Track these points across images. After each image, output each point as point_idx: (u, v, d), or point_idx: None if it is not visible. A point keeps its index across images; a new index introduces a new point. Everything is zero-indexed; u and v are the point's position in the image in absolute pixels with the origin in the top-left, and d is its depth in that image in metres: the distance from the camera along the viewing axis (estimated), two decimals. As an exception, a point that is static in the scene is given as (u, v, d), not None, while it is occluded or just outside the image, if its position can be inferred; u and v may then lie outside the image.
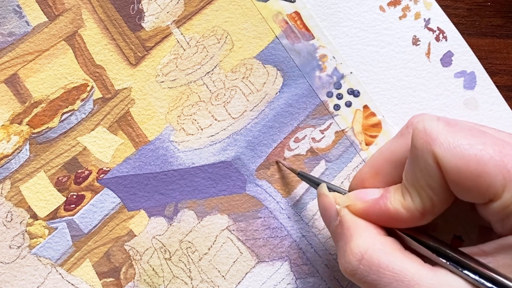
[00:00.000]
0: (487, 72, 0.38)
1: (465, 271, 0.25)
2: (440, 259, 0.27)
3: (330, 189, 0.31)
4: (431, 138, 0.26)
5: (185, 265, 0.36)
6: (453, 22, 0.39)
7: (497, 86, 0.38)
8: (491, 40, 0.40)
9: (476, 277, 0.25)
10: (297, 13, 0.39)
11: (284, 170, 0.37)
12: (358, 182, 0.31)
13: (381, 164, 0.30)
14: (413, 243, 0.28)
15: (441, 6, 0.39)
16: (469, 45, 0.39)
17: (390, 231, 0.29)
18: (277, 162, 0.37)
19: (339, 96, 0.38)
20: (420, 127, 0.27)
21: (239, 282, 0.36)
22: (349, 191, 0.31)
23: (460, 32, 0.39)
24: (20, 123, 0.37)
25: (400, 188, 0.28)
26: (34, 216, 0.36)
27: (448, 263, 0.26)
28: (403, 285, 0.26)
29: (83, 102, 0.37)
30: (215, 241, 0.36)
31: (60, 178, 0.36)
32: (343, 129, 0.38)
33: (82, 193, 0.36)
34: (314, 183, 0.33)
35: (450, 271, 0.26)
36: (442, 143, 0.26)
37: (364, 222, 0.29)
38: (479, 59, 0.39)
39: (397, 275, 0.26)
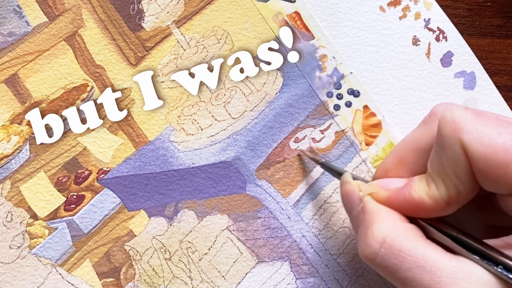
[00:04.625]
0: (487, 72, 0.38)
1: (489, 262, 0.25)
2: (464, 249, 0.26)
3: (354, 178, 0.31)
4: (459, 126, 0.26)
5: (185, 265, 0.36)
6: (453, 22, 0.39)
7: (497, 86, 0.38)
8: (491, 40, 0.40)
9: (501, 269, 0.25)
10: (297, 13, 0.39)
11: (288, 168, 0.37)
12: (382, 173, 0.31)
13: (405, 153, 0.30)
14: (435, 233, 0.28)
15: (441, 6, 0.39)
16: (469, 45, 0.39)
17: (412, 221, 0.28)
18: (299, 155, 0.37)
19: (339, 96, 0.38)
20: (448, 115, 0.26)
21: (239, 282, 0.36)
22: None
23: (460, 32, 0.39)
24: (20, 123, 0.37)
25: (425, 177, 0.28)
26: (34, 216, 0.36)
27: (472, 254, 0.26)
28: (425, 270, 0.25)
29: (83, 102, 0.37)
30: (215, 241, 0.36)
31: (60, 178, 0.36)
32: (343, 129, 0.38)
33: (82, 193, 0.36)
34: (337, 173, 0.33)
35: (474, 261, 0.26)
36: (471, 131, 0.25)
37: (387, 209, 0.28)
38: (479, 59, 0.39)
39: (419, 260, 0.26)
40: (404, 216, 0.28)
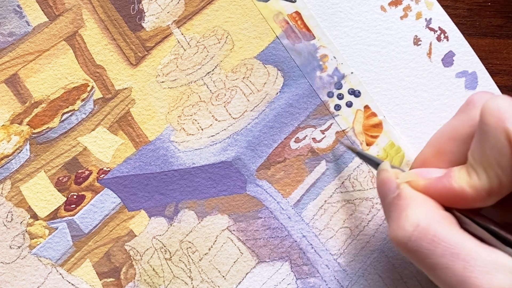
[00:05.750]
0: (487, 72, 0.38)
1: None
2: (500, 242, 0.26)
3: (392, 168, 0.31)
4: (505, 116, 0.25)
5: (186, 265, 0.36)
6: (453, 22, 0.39)
7: (497, 86, 0.38)
8: (491, 40, 0.39)
9: None
10: (297, 13, 0.39)
11: (288, 169, 0.37)
12: (420, 163, 0.31)
13: (443, 142, 0.30)
14: (471, 225, 0.27)
15: (441, 6, 0.39)
16: (469, 45, 0.38)
17: (447, 211, 0.28)
18: (338, 140, 0.37)
19: (340, 96, 0.38)
20: (493, 105, 0.26)
21: (240, 282, 0.36)
22: None
23: (460, 32, 0.39)
24: (20, 123, 0.37)
25: (466, 167, 0.27)
26: (35, 216, 0.36)
27: (507, 247, 0.26)
28: (458, 258, 0.25)
29: (83, 102, 0.37)
30: (215, 241, 0.36)
31: (60, 178, 0.36)
32: (344, 130, 0.38)
33: (83, 193, 0.36)
34: (374, 163, 0.33)
35: (509, 254, 0.25)
36: None
37: (423, 196, 0.28)
38: (479, 59, 0.38)
39: (452, 247, 0.25)
40: (441, 205, 0.28)
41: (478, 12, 0.39)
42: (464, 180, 0.27)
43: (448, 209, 0.28)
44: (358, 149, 0.35)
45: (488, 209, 0.29)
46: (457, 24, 0.39)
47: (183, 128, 0.37)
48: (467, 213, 0.28)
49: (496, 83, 0.38)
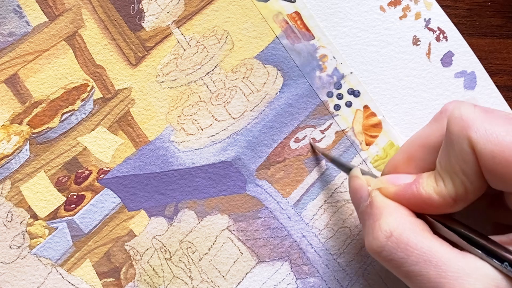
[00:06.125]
0: (487, 72, 0.38)
1: (495, 260, 0.25)
2: (470, 246, 0.26)
3: (363, 173, 0.31)
4: (468, 124, 0.26)
5: (186, 265, 0.36)
6: (453, 22, 0.39)
7: (497, 86, 0.38)
8: (491, 40, 0.40)
9: (506, 266, 0.25)
10: (297, 13, 0.39)
11: (288, 168, 0.37)
12: (391, 169, 0.31)
13: (415, 149, 0.30)
14: (442, 229, 0.28)
15: (441, 6, 0.39)
16: (469, 45, 0.39)
17: (419, 217, 0.29)
18: (311, 144, 0.37)
19: (339, 96, 0.38)
20: (456, 113, 0.27)
21: (239, 282, 0.36)
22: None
23: (460, 32, 0.39)
24: (20, 123, 0.37)
25: (433, 174, 0.28)
26: (34, 216, 0.36)
27: (478, 250, 0.26)
28: (431, 265, 0.26)
29: (83, 102, 0.37)
30: (215, 241, 0.36)
31: (60, 178, 0.36)
32: (344, 129, 0.38)
33: (82, 193, 0.36)
34: (346, 167, 0.33)
35: (480, 258, 0.26)
36: (479, 129, 0.26)
37: (395, 203, 0.28)
38: (479, 59, 0.39)
39: (425, 254, 0.26)
40: (412, 212, 0.28)
41: (478, 12, 0.40)
42: (431, 188, 0.28)
43: (420, 214, 0.29)
44: (330, 154, 0.35)
45: (480, 209, 0.30)
46: (457, 24, 0.39)
47: (183, 128, 0.37)
48: (439, 218, 0.28)
49: (496, 83, 0.38)
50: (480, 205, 0.29)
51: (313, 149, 0.37)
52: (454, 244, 0.27)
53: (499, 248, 0.26)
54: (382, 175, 0.32)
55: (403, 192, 0.28)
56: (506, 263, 0.25)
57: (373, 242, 0.28)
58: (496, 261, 0.25)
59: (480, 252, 0.26)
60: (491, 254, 0.26)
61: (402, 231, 0.27)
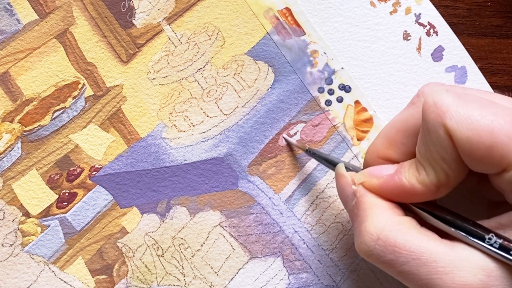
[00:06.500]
0: (487, 72, 0.38)
1: (484, 244, 0.26)
2: (459, 232, 0.27)
3: (347, 167, 0.31)
4: (442, 111, 0.26)
5: (178, 262, 0.36)
6: (453, 22, 0.39)
7: (497, 86, 0.38)
8: (491, 40, 0.40)
9: (496, 249, 0.25)
10: (288, 9, 0.39)
11: (280, 164, 0.37)
12: (373, 156, 0.31)
13: (394, 134, 0.30)
14: (430, 218, 0.28)
15: (441, 6, 0.39)
16: (469, 45, 0.39)
17: (406, 207, 0.29)
18: (284, 138, 0.37)
19: (331, 92, 0.38)
20: (430, 100, 0.27)
21: (232, 278, 0.36)
22: (364, 165, 0.32)
23: (460, 32, 0.39)
24: (11, 121, 0.37)
25: (414, 162, 0.28)
26: (27, 214, 0.36)
27: (466, 236, 0.26)
28: (420, 263, 0.26)
29: (74, 99, 0.37)
30: (207, 237, 0.36)
31: (52, 176, 0.36)
32: (335, 125, 0.38)
33: (75, 190, 0.36)
34: (328, 162, 0.33)
35: (468, 244, 0.26)
36: (453, 115, 0.26)
37: (380, 203, 0.29)
38: (479, 59, 0.39)
39: (414, 253, 0.26)
40: (398, 208, 0.29)
41: (478, 12, 0.40)
42: (413, 177, 0.28)
43: (407, 205, 0.29)
44: (306, 147, 0.35)
45: (472, 188, 0.30)
46: (457, 24, 0.39)
47: (174, 125, 0.37)
48: (425, 206, 0.28)
49: (496, 83, 0.38)
50: (470, 184, 0.29)
51: (288, 145, 0.37)
52: (442, 233, 0.27)
53: (487, 233, 0.26)
54: (364, 161, 0.32)
55: (387, 184, 0.28)
56: (488, 240, 0.25)
57: (361, 246, 0.28)
58: (481, 242, 0.26)
59: (464, 234, 0.26)
60: (480, 239, 0.26)
61: (388, 233, 0.27)
